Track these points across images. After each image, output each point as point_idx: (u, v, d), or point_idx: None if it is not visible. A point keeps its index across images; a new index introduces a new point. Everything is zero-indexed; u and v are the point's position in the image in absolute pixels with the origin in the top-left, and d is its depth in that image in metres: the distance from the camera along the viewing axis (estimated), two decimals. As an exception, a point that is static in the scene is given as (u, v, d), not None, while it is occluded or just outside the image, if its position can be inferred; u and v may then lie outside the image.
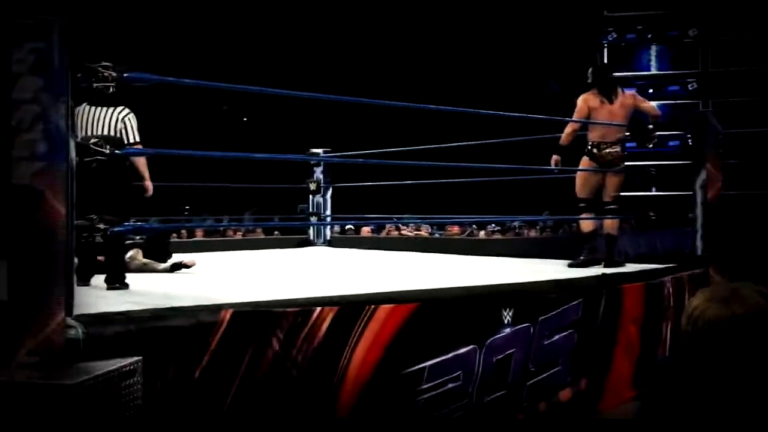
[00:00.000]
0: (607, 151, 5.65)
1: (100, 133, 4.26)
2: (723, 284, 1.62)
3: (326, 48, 15.00)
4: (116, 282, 4.22)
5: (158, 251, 5.54)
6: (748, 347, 1.49)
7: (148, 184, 4.75)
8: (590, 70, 5.88)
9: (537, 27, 14.04)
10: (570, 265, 5.55)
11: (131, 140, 4.44)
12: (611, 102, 5.69)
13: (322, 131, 14.59)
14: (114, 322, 2.90)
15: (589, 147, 5.71)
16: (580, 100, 5.74)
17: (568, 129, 5.77)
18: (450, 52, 14.80)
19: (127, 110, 4.49)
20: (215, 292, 3.91)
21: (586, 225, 5.65)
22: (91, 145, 3.06)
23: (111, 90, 3.12)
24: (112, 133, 4.32)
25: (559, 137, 5.87)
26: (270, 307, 3.31)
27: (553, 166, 5.80)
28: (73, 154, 2.70)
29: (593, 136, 5.73)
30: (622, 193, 5.88)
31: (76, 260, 3.90)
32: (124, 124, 4.42)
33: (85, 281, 4.19)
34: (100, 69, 3.11)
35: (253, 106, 16.49)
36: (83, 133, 4.27)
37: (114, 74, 3.14)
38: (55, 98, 2.60)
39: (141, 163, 4.69)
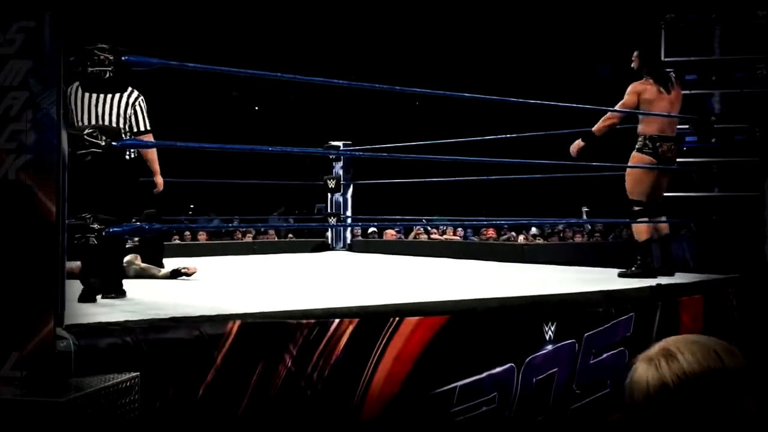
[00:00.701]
0: (666, 146, 5.59)
1: (108, 121, 4.19)
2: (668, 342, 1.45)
3: (351, 30, 15.04)
4: (112, 290, 4.12)
5: (155, 255, 5.58)
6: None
7: (159, 179, 4.68)
8: (636, 54, 5.73)
9: (585, 4, 13.97)
10: (621, 275, 5.50)
11: (141, 128, 4.32)
12: (668, 91, 5.62)
13: (342, 122, 14.63)
14: (109, 333, 2.92)
15: (646, 142, 5.62)
16: (630, 91, 5.63)
17: (609, 120, 5.66)
18: (486, 35, 14.78)
19: (136, 93, 4.35)
20: (221, 302, 3.92)
21: (642, 230, 5.59)
22: (86, 136, 3.08)
23: (108, 75, 3.14)
24: (121, 120, 4.23)
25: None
26: (282, 319, 3.32)
27: (573, 154, 5.71)
28: (65, 145, 2.72)
29: (649, 129, 5.64)
30: (680, 193, 5.83)
31: (78, 263, 3.94)
32: (134, 110, 4.29)
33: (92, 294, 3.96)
34: (96, 51, 3.13)
35: (266, 94, 16.57)
36: (85, 121, 4.17)
37: (111, 57, 3.15)
38: (45, 83, 2.62)
39: (151, 154, 4.56)
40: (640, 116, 5.66)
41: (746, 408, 1.37)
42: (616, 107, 5.67)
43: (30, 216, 2.58)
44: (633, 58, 5.77)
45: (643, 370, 1.42)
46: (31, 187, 2.58)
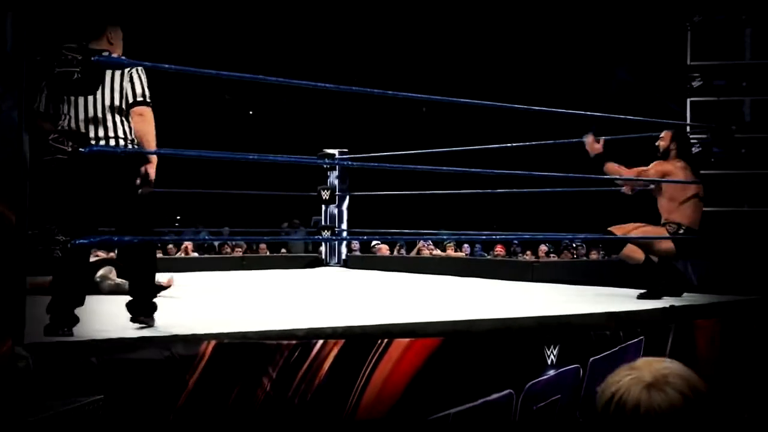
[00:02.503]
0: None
1: (100, 101, 3.74)
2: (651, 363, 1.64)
3: (353, 34, 15.10)
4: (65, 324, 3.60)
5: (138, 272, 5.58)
6: None
7: (152, 169, 3.90)
8: (671, 135, 5.79)
9: (604, 4, 14.00)
10: (641, 297, 5.49)
11: (138, 98, 3.82)
12: (696, 174, 5.66)
13: (341, 127, 14.67)
14: (72, 353, 2.94)
15: (677, 232, 5.64)
16: (657, 171, 5.68)
17: (625, 172, 5.70)
18: (502, 39, 14.82)
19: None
20: (197, 320, 3.94)
21: (637, 252, 5.63)
22: (50, 141, 3.11)
23: (76, 75, 3.16)
24: (116, 97, 3.74)
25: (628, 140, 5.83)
26: (261, 339, 3.34)
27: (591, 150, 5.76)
28: (27, 150, 2.75)
29: (684, 218, 5.65)
30: (707, 208, 5.86)
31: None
32: (131, 77, 3.80)
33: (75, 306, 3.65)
34: (64, 51, 3.15)
35: (261, 98, 16.63)
36: (72, 110, 3.70)
37: (80, 57, 3.19)
38: (6, 85, 2.65)
39: (144, 126, 3.88)
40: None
41: None
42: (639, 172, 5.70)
43: (-14, 227, 2.60)
44: (662, 136, 5.81)
45: (645, 395, 1.56)
46: (-14, 194, 2.60)
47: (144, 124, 3.85)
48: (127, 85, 3.78)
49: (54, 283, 3.56)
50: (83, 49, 3.24)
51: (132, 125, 3.83)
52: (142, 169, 3.84)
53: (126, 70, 3.78)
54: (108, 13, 3.94)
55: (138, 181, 3.81)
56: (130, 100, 3.80)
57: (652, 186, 5.73)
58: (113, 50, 3.82)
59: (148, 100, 3.86)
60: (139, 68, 3.83)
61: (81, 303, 3.68)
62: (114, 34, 3.88)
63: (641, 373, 1.59)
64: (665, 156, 5.76)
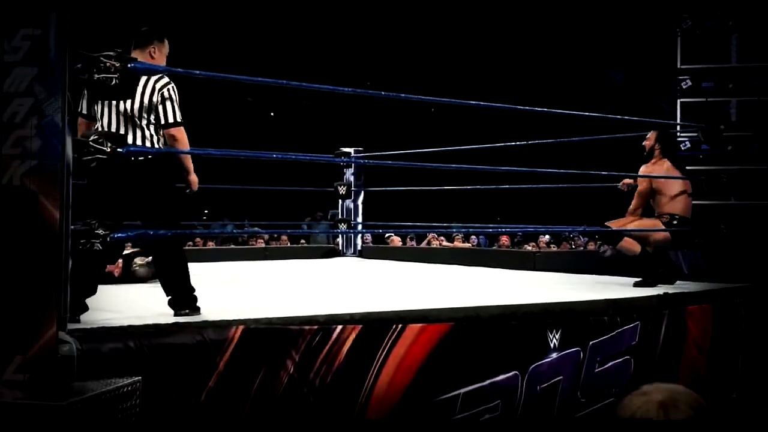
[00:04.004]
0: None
1: (130, 111, 3.76)
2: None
3: (364, 39, 15.09)
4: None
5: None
6: None
7: (193, 177, 4.08)
8: (656, 136, 5.78)
9: (599, 9, 13.94)
10: (637, 285, 5.48)
11: (170, 120, 3.80)
12: (683, 171, 5.69)
13: (358, 127, 14.68)
14: (111, 338, 2.96)
15: (671, 222, 5.63)
16: (644, 179, 5.66)
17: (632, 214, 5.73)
18: (502, 43, 14.79)
19: (166, 79, 3.84)
20: (226, 307, 3.95)
21: (633, 244, 5.63)
22: (91, 142, 3.13)
23: (114, 82, 3.17)
24: (144, 111, 3.75)
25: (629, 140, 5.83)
26: (285, 325, 3.36)
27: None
28: (69, 152, 2.77)
29: (676, 209, 5.64)
30: (697, 202, 5.85)
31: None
32: (162, 96, 3.78)
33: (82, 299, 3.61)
34: (102, 59, 3.16)
35: (281, 100, 16.64)
36: (105, 118, 3.78)
37: (117, 65, 3.20)
38: (50, 90, 2.66)
39: (181, 148, 3.91)
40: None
41: None
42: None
43: (33, 221, 2.61)
44: (647, 137, 5.80)
45: (662, 413, 1.69)
46: (34, 192, 2.62)
47: (179, 145, 3.89)
48: (157, 99, 3.79)
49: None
50: (120, 56, 3.24)
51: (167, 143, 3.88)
52: (190, 179, 4.04)
53: (158, 85, 3.79)
54: (156, 28, 3.97)
55: (183, 190, 3.97)
56: (162, 121, 3.82)
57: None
58: (153, 62, 3.84)
59: (180, 120, 3.86)
60: (171, 86, 3.84)
61: (93, 292, 3.69)
62: (158, 49, 3.92)
63: (652, 396, 1.70)
64: (650, 155, 5.76)
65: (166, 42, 3.99)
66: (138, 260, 5.39)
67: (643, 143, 5.79)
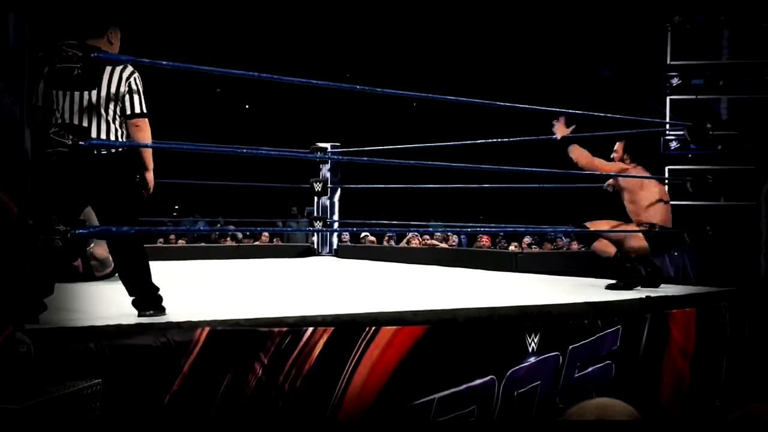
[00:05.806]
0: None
1: (94, 101, 3.69)
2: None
3: (341, 32, 15.08)
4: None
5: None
6: None
7: (150, 176, 3.98)
8: (623, 146, 5.78)
9: (586, 3, 13.99)
10: (609, 287, 5.53)
11: (137, 110, 3.78)
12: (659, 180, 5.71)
13: (336, 121, 14.68)
14: (71, 339, 2.95)
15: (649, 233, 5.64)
16: (616, 169, 5.68)
17: (588, 162, 5.67)
18: (487, 37, 14.82)
19: (131, 68, 3.80)
20: (192, 308, 3.94)
21: (608, 246, 5.67)
22: (51, 134, 3.11)
23: (76, 72, 3.15)
24: (111, 102, 3.70)
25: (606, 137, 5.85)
26: (253, 326, 3.35)
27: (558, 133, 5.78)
28: (29, 144, 2.75)
29: (654, 218, 5.63)
30: (683, 202, 5.88)
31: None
32: (129, 87, 3.75)
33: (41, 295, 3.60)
34: (64, 48, 3.15)
35: (255, 92, 16.61)
36: (67, 106, 3.67)
37: (80, 54, 3.18)
38: (7, 81, 2.64)
39: (144, 141, 3.86)
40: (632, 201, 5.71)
41: None
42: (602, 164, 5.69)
43: (-12, 216, 2.60)
44: (615, 149, 5.81)
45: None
46: (-10, 186, 2.60)
47: (142, 135, 3.84)
48: (124, 90, 3.74)
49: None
50: (83, 45, 3.23)
51: (130, 134, 3.82)
52: (147, 176, 3.90)
53: (124, 75, 3.75)
54: (111, 13, 3.92)
55: (140, 188, 3.86)
56: (128, 111, 3.78)
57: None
58: (112, 50, 3.79)
59: (145, 111, 3.83)
60: (136, 75, 3.80)
61: (50, 292, 3.64)
62: (114, 34, 3.87)
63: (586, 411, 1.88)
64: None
65: (119, 29, 3.93)
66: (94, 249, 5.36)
67: (612, 156, 5.80)
